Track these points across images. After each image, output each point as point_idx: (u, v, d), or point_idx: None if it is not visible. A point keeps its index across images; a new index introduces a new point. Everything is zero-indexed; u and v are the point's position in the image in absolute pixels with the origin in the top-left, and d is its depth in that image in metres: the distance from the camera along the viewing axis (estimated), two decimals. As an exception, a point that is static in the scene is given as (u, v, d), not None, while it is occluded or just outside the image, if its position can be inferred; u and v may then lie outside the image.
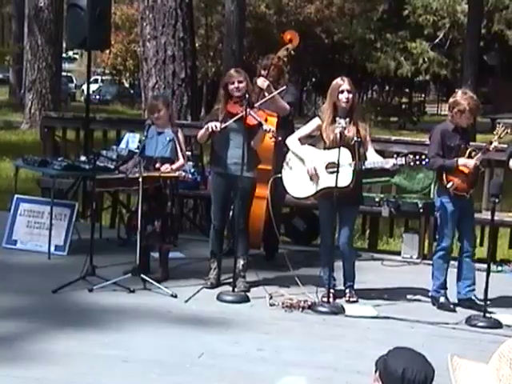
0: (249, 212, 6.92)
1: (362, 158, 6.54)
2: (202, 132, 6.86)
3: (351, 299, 6.71)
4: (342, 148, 6.40)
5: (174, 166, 6.92)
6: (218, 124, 6.66)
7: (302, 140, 6.76)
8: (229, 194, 6.93)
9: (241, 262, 6.86)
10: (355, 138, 6.46)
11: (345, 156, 6.41)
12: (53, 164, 8.03)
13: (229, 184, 6.85)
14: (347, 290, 6.77)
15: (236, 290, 6.68)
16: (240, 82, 6.74)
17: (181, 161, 7.02)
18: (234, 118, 6.68)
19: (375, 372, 2.70)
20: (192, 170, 8.49)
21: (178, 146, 7.01)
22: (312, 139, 6.91)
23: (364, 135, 6.55)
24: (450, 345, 5.73)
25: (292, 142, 6.75)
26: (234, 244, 7.06)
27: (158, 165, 6.89)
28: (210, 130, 6.67)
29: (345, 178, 6.41)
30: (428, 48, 33.10)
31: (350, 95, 6.51)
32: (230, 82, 6.78)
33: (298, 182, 6.69)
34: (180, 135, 7.07)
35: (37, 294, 6.51)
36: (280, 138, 6.67)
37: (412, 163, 6.45)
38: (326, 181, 6.54)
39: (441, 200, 6.64)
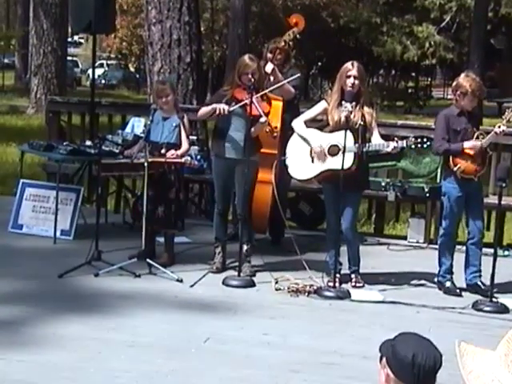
0: (252, 196, 6.90)
1: (366, 142, 6.52)
2: (206, 110, 6.84)
3: (357, 284, 6.70)
4: (346, 130, 6.38)
5: (179, 152, 6.90)
6: (226, 107, 6.63)
7: (308, 123, 6.75)
8: (231, 178, 6.90)
9: (245, 247, 6.84)
10: (359, 122, 6.45)
11: (348, 139, 6.39)
12: (58, 149, 8.02)
13: (230, 168, 6.83)
14: (353, 275, 6.76)
15: (242, 274, 6.67)
16: (254, 73, 6.69)
17: (185, 146, 7.01)
18: (239, 105, 6.65)
19: (380, 358, 2.68)
20: (198, 156, 8.47)
21: (183, 132, 6.99)
22: (318, 123, 6.89)
23: (369, 121, 6.53)
24: (456, 329, 5.72)
25: (297, 124, 6.74)
26: (239, 228, 7.04)
27: (163, 150, 6.87)
28: (218, 112, 6.64)
29: (346, 161, 6.39)
30: (434, 32, 32.91)
31: (356, 81, 6.50)
32: (244, 73, 6.73)
33: (301, 164, 6.69)
34: (186, 121, 7.04)
35: (43, 279, 6.51)
36: (276, 135, 6.67)
37: (413, 146, 6.47)
38: (329, 163, 6.53)
39: (446, 184, 6.61)
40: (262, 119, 6.59)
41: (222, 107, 6.64)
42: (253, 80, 6.62)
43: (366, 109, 6.55)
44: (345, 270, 6.81)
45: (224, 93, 6.87)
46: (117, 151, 7.84)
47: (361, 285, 6.71)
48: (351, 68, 6.53)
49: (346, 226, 6.64)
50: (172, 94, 7.05)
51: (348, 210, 6.62)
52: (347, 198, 6.56)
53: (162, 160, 6.80)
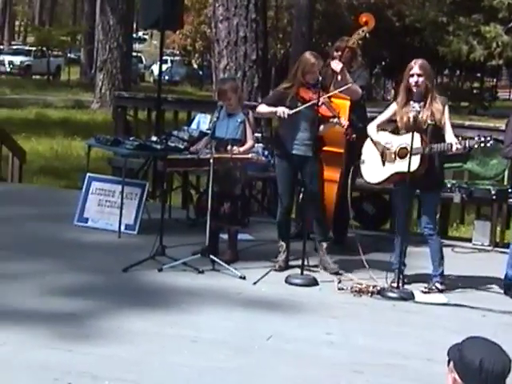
0: (321, 193, 6.89)
1: (438, 141, 6.39)
2: (266, 111, 6.87)
3: (439, 287, 6.50)
4: (413, 132, 6.30)
5: (242, 149, 6.91)
6: (286, 111, 6.62)
7: (382, 126, 6.69)
8: (295, 176, 6.89)
9: (324, 245, 6.91)
10: (428, 121, 6.35)
11: (415, 140, 6.31)
12: (125, 144, 8.10)
13: (295, 166, 6.83)
14: (437, 278, 6.57)
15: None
16: (319, 71, 6.67)
17: (250, 143, 7.02)
18: (306, 105, 6.63)
19: (448, 362, 2.65)
20: (266, 152, 8.47)
21: (248, 128, 7.00)
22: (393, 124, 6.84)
23: (438, 118, 6.41)
24: (523, 335, 5.61)
25: (370, 128, 6.68)
26: (312, 227, 7.01)
27: (228, 147, 6.88)
28: (278, 115, 6.65)
29: (413, 163, 6.32)
30: (502, 32, 32.38)
31: (420, 78, 6.39)
32: (311, 71, 6.70)
33: (373, 168, 6.63)
34: (250, 117, 7.06)
35: (107, 273, 6.59)
36: (355, 136, 6.65)
37: (476, 146, 6.33)
38: (397, 166, 6.47)
39: (519, 188, 6.50)
40: (343, 122, 6.59)
41: (283, 110, 6.64)
42: (320, 79, 6.60)
43: (435, 106, 6.43)
44: (408, 270, 6.73)
45: (286, 91, 6.82)
46: (182, 147, 7.89)
47: (443, 289, 6.51)
48: (413, 66, 6.44)
49: (426, 225, 6.54)
50: (234, 95, 7.03)
51: (426, 209, 6.59)
52: (424, 198, 6.58)
53: (228, 156, 6.81)
